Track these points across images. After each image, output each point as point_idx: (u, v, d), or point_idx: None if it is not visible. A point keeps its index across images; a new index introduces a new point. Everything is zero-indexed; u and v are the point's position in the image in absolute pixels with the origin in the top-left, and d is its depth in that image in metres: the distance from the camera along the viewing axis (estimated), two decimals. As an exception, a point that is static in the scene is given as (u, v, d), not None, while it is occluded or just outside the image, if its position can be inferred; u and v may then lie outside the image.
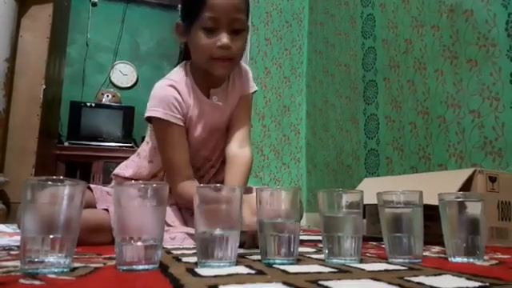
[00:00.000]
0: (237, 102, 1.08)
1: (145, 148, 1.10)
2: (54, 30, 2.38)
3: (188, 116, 1.01)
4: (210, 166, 1.11)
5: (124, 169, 1.10)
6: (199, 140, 1.05)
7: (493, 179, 0.99)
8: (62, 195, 0.51)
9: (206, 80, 1.03)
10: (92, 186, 1.00)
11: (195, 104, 1.02)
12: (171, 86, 1.00)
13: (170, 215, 0.98)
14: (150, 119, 1.01)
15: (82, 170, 3.45)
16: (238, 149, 1.04)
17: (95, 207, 0.95)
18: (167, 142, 0.99)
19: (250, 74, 1.12)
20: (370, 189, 0.98)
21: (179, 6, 1.03)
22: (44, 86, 2.29)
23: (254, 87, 1.12)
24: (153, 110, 0.97)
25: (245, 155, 1.03)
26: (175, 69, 1.06)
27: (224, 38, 0.92)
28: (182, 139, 0.99)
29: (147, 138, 1.10)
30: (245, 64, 1.13)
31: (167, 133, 0.98)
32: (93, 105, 3.67)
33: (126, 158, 1.15)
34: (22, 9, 2.25)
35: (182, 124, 0.99)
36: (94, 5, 4.04)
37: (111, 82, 4.08)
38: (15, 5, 2.17)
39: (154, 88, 1.01)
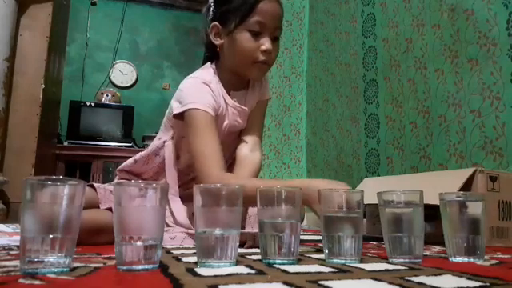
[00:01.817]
0: (254, 106, 1.10)
1: (156, 143, 1.09)
2: (53, 29, 2.38)
3: (217, 115, 1.00)
4: None
5: (131, 162, 1.10)
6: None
7: (493, 179, 0.98)
8: (62, 195, 0.51)
9: (230, 82, 1.04)
10: (95, 184, 1.00)
11: (222, 105, 1.02)
12: (205, 83, 0.99)
13: (179, 210, 0.97)
14: (180, 115, 0.97)
15: (81, 169, 3.45)
16: (249, 152, 1.05)
17: (98, 206, 0.95)
18: (204, 132, 0.93)
19: (268, 82, 1.15)
20: (371, 188, 0.98)
21: (212, 7, 1.03)
22: (43, 86, 2.29)
23: (270, 94, 1.15)
24: (191, 103, 0.94)
25: (254, 157, 1.04)
26: (202, 69, 1.06)
27: (268, 43, 0.96)
28: (215, 131, 0.95)
29: (160, 134, 1.09)
30: None
31: (205, 122, 0.94)
32: (92, 104, 3.67)
33: (126, 158, 1.15)
34: (22, 8, 2.25)
35: (214, 117, 0.96)
36: (94, 4, 4.04)
37: (111, 81, 4.08)
38: (15, 4, 2.16)
39: (186, 85, 0.99)
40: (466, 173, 0.99)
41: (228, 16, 0.98)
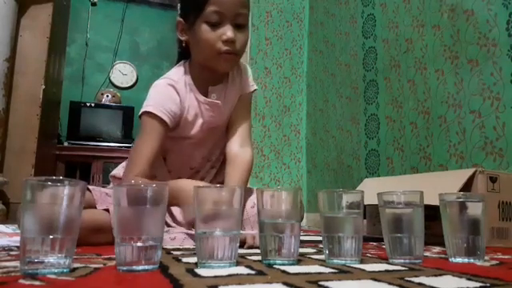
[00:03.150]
0: (236, 100, 1.08)
1: None
2: (53, 29, 2.38)
3: (183, 116, 1.00)
4: (209, 166, 1.10)
5: (121, 170, 1.09)
6: (196, 139, 1.04)
7: (493, 179, 0.98)
8: (62, 195, 0.51)
9: (204, 78, 1.02)
10: (90, 187, 1.00)
11: (192, 104, 1.01)
12: (170, 85, 0.99)
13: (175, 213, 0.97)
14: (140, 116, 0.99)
15: (81, 170, 3.45)
16: (239, 148, 1.03)
17: (95, 208, 0.94)
18: (143, 133, 0.95)
19: (250, 73, 1.12)
20: (371, 189, 0.98)
21: (179, 4, 1.03)
22: (44, 86, 2.29)
23: (253, 86, 1.11)
24: (147, 106, 0.96)
25: (246, 155, 1.03)
26: (174, 68, 1.06)
27: (229, 31, 0.93)
28: (157, 137, 0.94)
29: None
30: (244, 62, 1.13)
31: (148, 124, 0.95)
32: (92, 105, 3.66)
33: (126, 158, 1.15)
34: (22, 9, 2.25)
35: (167, 123, 0.96)
36: (94, 4, 4.04)
37: (111, 81, 4.08)
38: (15, 5, 2.16)
39: (153, 86, 1.00)
40: (466, 173, 0.99)
41: (187, 10, 0.97)
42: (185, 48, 1.04)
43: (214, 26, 0.93)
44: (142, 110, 0.97)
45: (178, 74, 1.02)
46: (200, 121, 1.02)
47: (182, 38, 1.01)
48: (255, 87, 1.12)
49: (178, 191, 0.85)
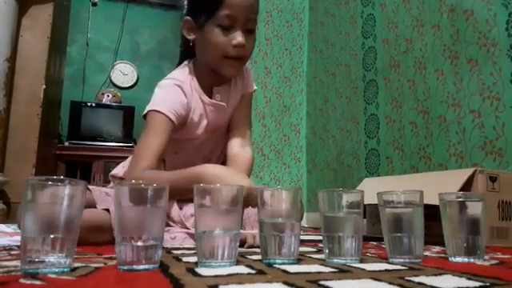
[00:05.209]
0: (238, 101, 1.08)
1: None
2: (54, 29, 2.39)
3: (189, 117, 1.00)
4: None
5: (121, 169, 1.09)
6: (200, 140, 1.04)
7: (493, 179, 0.99)
8: (63, 195, 0.51)
9: (209, 79, 1.02)
10: (90, 187, 1.00)
11: (197, 105, 1.01)
12: (177, 85, 0.98)
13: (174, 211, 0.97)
14: (146, 116, 0.98)
15: (82, 169, 3.45)
16: (240, 148, 1.04)
17: (95, 208, 0.95)
18: (150, 128, 0.93)
19: (251, 74, 1.12)
20: (371, 189, 0.98)
21: (187, 2, 1.02)
22: (44, 86, 2.30)
23: (254, 86, 1.12)
24: (154, 105, 0.95)
25: (246, 154, 1.03)
26: (178, 68, 1.05)
27: (239, 37, 0.92)
28: (164, 132, 0.93)
29: None
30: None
31: (155, 121, 0.93)
32: (93, 105, 3.67)
33: (127, 158, 1.15)
34: (23, 8, 2.26)
35: (174, 122, 0.95)
36: (94, 4, 4.04)
37: (111, 81, 4.08)
38: (15, 5, 2.17)
39: (159, 86, 0.99)
40: (465, 173, 0.99)
41: (198, 10, 0.96)
42: (188, 47, 1.03)
43: (225, 29, 0.93)
44: (149, 108, 0.95)
45: (183, 75, 1.01)
46: (205, 122, 1.02)
47: (189, 38, 1.00)
48: (255, 87, 1.13)
49: (203, 175, 0.81)
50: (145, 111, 0.97)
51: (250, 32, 0.95)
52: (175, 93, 0.97)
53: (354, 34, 2.06)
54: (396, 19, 1.75)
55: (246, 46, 0.94)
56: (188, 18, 0.99)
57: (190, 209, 0.94)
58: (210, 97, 1.03)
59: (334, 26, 2.27)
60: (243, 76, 1.09)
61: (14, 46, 2.17)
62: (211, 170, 0.82)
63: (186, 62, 1.05)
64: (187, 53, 1.05)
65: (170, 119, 0.93)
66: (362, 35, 1.99)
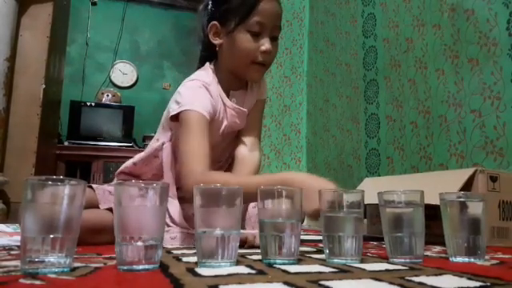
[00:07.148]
0: (252, 106, 1.09)
1: (154, 145, 1.08)
2: (53, 29, 2.38)
3: (214, 119, 1.00)
4: (218, 167, 1.10)
5: (130, 166, 1.09)
6: (214, 141, 1.04)
7: (494, 179, 0.98)
8: (63, 195, 0.51)
9: (227, 83, 1.03)
10: (94, 185, 1.00)
11: (220, 108, 1.01)
12: (204, 87, 0.98)
13: (174, 212, 0.97)
14: (175, 116, 0.96)
15: (81, 169, 3.45)
16: (248, 152, 1.05)
17: (98, 207, 0.94)
18: (191, 128, 0.92)
19: (266, 82, 1.14)
20: (371, 188, 0.98)
21: (212, 7, 1.02)
22: (44, 86, 2.29)
23: (266, 94, 1.15)
24: (187, 105, 0.93)
25: (253, 158, 1.04)
26: (201, 70, 1.05)
27: (267, 44, 0.95)
28: (206, 131, 0.93)
29: (157, 136, 1.07)
30: None
31: (194, 120, 0.92)
32: (93, 104, 3.67)
33: (126, 158, 1.15)
34: (22, 8, 2.25)
35: (209, 121, 0.95)
36: (94, 4, 4.04)
37: (111, 81, 4.08)
38: (15, 4, 2.16)
39: (186, 87, 0.98)
40: (466, 173, 0.99)
41: (227, 16, 0.97)
42: (211, 50, 1.04)
43: (254, 35, 0.95)
44: (184, 108, 0.93)
45: (208, 77, 1.01)
46: (223, 125, 1.03)
47: (215, 42, 1.01)
48: (267, 96, 1.16)
49: (291, 180, 0.80)
50: (175, 111, 0.95)
51: (275, 39, 0.99)
52: (204, 94, 0.97)
53: (355, 34, 2.06)
54: (396, 18, 1.75)
55: (272, 53, 0.98)
56: (215, 22, 1.00)
57: (190, 209, 0.94)
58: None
59: (335, 25, 2.27)
60: (259, 83, 1.10)
61: (13, 46, 2.17)
62: (300, 175, 0.83)
63: (207, 65, 1.05)
64: (208, 56, 1.06)
65: (207, 120, 0.94)
66: (363, 35, 1.99)
